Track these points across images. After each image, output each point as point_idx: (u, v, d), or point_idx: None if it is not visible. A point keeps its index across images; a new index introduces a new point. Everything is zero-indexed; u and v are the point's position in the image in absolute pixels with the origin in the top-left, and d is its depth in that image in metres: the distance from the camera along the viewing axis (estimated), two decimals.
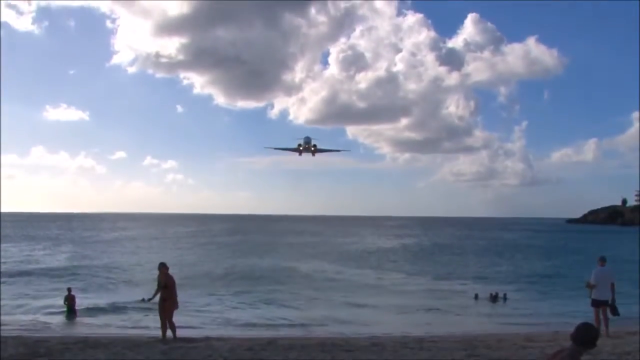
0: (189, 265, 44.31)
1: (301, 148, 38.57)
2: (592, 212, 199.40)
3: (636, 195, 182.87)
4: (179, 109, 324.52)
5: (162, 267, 15.62)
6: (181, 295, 16.57)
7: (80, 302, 24.48)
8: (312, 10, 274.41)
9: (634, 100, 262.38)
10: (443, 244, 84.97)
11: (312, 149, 38.30)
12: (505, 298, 30.11)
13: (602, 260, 16.42)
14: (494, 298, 29.90)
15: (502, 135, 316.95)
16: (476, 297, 30.65)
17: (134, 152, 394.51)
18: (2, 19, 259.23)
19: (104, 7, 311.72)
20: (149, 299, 16.83)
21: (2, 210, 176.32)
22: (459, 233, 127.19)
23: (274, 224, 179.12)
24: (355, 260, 54.23)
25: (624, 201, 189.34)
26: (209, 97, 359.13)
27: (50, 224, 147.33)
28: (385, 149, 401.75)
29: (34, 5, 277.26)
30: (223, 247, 68.33)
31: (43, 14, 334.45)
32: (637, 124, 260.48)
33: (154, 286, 16.11)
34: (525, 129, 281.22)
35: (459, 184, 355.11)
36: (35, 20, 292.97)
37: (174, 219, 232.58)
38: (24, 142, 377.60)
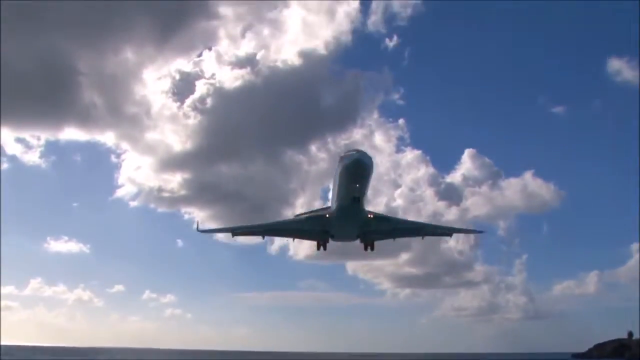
0: None
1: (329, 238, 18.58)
2: (598, 346, 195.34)
3: None
4: (180, 243, 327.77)
5: None
6: None
7: None
8: (313, 148, 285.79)
9: (633, 231, 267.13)
10: None
11: (370, 217, 18.55)
12: None
13: None
14: None
15: (503, 269, 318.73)
16: None
17: (133, 286, 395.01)
18: (10, 152, 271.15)
19: (110, 142, 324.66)
20: None
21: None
22: None
23: None
24: None
25: (630, 334, 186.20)
26: None
27: (47, 358, 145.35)
28: (386, 284, 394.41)
29: (42, 140, 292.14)
30: None
31: (51, 148, 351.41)
32: (637, 255, 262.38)
33: None
34: (526, 262, 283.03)
35: (461, 319, 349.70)
36: (42, 155, 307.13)
37: (170, 356, 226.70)
38: (23, 273, 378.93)
